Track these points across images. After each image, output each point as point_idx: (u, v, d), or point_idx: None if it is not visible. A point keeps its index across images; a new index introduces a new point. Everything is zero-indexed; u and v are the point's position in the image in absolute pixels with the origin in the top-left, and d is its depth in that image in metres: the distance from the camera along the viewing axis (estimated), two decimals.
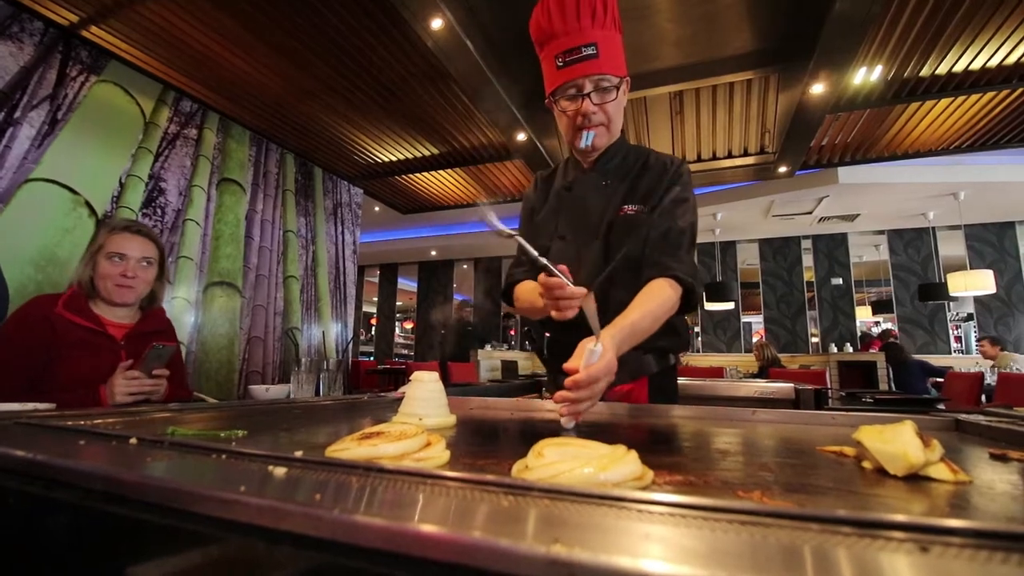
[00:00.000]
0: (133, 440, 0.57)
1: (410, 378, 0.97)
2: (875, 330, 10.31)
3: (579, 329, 0.93)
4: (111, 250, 1.58)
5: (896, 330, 7.76)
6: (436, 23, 1.96)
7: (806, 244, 8.30)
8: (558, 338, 1.30)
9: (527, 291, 1.22)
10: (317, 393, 1.87)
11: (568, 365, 0.85)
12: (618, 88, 1.17)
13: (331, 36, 2.66)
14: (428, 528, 0.27)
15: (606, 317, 1.03)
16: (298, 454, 0.48)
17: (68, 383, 1.45)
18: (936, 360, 6.44)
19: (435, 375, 0.97)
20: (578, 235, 1.25)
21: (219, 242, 3.43)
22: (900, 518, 0.27)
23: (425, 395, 0.93)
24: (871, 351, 7.18)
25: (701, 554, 0.25)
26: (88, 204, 2.69)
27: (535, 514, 0.31)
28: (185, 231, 3.21)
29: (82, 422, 0.73)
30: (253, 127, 3.71)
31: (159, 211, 3.05)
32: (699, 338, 8.89)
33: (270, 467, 0.45)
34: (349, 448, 0.56)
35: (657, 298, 1.07)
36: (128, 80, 2.94)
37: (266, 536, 0.32)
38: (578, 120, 1.18)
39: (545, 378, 1.44)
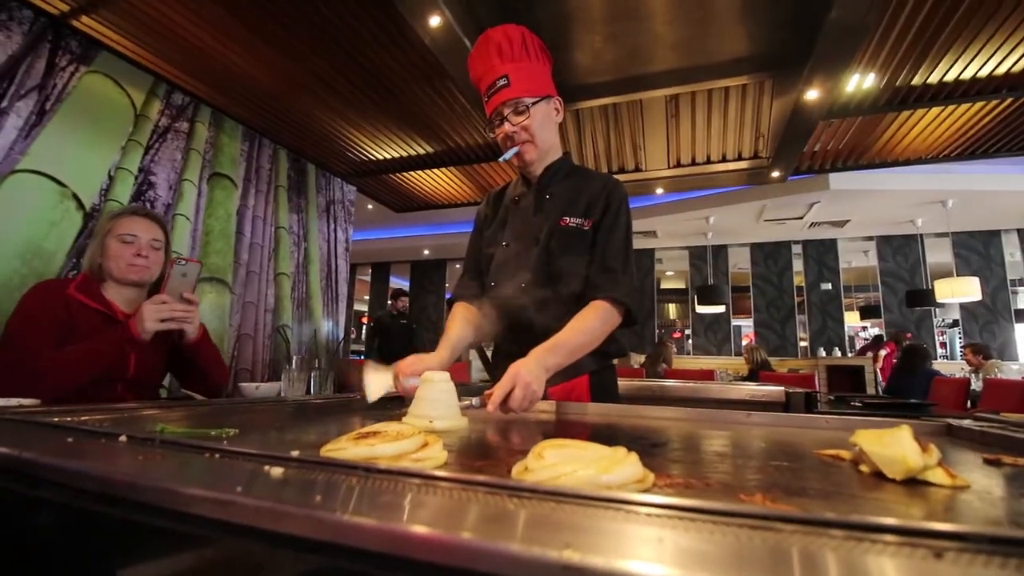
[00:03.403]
0: (123, 438, 0.55)
1: (420, 378, 0.92)
2: (862, 335, 10.43)
3: (517, 345, 1.18)
4: (121, 232, 1.54)
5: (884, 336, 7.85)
6: (434, 20, 1.95)
7: (796, 249, 8.37)
8: (500, 351, 1.46)
9: (461, 318, 1.39)
10: (308, 391, 1.86)
11: (488, 391, 1.00)
12: (533, 107, 1.32)
13: (327, 31, 2.64)
14: (436, 532, 0.26)
15: (535, 315, 1.28)
16: (294, 454, 0.47)
17: None
18: None
19: (446, 375, 0.93)
20: (520, 242, 1.38)
21: (209, 237, 3.40)
22: (912, 524, 0.27)
23: (436, 396, 0.89)
24: (869, 353, 7.15)
25: (715, 558, 0.24)
26: (76, 197, 2.65)
27: (541, 517, 0.31)
28: (175, 226, 3.17)
29: (69, 418, 0.72)
30: (246, 122, 3.67)
31: (149, 205, 3.01)
32: (690, 340, 8.93)
33: (266, 467, 0.44)
34: (345, 448, 0.55)
35: (592, 319, 1.22)
36: (119, 71, 2.89)
37: (264, 538, 0.31)
38: (506, 142, 1.35)
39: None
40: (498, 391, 0.96)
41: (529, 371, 1.00)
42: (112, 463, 0.45)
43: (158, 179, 3.08)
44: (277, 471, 0.42)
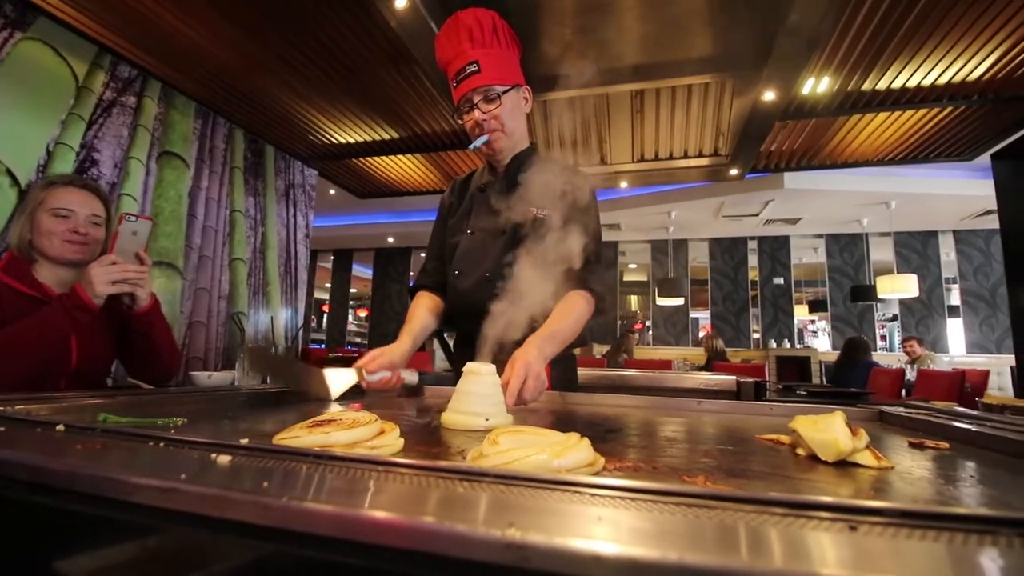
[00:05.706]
0: (60, 427, 0.53)
1: (463, 370, 0.87)
2: (810, 327, 10.93)
3: (480, 334, 1.16)
4: (55, 205, 1.38)
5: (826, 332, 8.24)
6: (400, 2, 1.90)
7: (752, 245, 8.69)
8: (462, 341, 1.47)
9: (423, 307, 1.40)
10: (264, 381, 1.81)
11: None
12: (503, 95, 1.31)
13: (288, 6, 2.54)
14: (384, 514, 0.26)
15: (507, 302, 1.22)
16: (243, 442, 0.47)
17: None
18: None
19: (492, 367, 0.87)
20: (485, 231, 1.37)
21: (158, 220, 3.24)
22: (832, 500, 0.29)
23: (485, 391, 0.83)
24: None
25: (650, 535, 0.26)
26: (10, 172, 2.47)
27: (490, 500, 0.31)
28: (120, 207, 3.00)
29: (2, 408, 0.68)
30: (199, 99, 3.50)
31: None
32: (650, 331, 9.16)
33: (213, 455, 0.43)
34: (299, 436, 0.54)
35: (576, 309, 1.24)
36: (59, 39, 2.70)
37: (209, 525, 0.31)
38: (475, 129, 1.34)
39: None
40: (514, 382, 0.93)
41: (537, 361, 1.00)
42: (48, 452, 0.43)
43: (102, 156, 2.90)
44: (224, 459, 0.41)
